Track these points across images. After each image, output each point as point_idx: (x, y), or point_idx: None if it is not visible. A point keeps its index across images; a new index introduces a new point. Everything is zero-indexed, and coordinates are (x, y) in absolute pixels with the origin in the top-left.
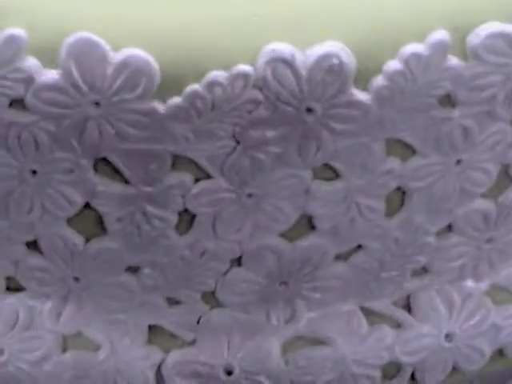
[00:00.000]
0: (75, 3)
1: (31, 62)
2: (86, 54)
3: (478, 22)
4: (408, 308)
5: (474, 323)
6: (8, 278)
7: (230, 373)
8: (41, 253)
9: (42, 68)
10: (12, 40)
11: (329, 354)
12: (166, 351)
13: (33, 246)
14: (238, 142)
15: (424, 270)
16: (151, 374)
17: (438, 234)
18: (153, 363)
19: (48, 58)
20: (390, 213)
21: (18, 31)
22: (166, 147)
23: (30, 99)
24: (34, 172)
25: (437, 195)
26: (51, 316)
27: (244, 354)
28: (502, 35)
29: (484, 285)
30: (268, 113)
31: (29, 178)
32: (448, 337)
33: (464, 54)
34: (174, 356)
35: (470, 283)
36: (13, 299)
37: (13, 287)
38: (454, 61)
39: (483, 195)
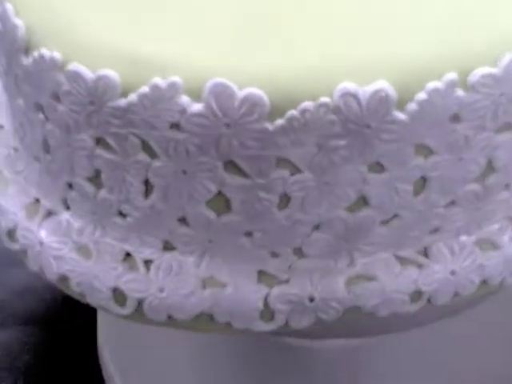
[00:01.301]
0: (211, 58)
1: (184, 99)
2: (221, 93)
3: (475, 66)
4: (426, 254)
5: (468, 264)
6: (165, 241)
7: (312, 300)
8: (187, 224)
9: (191, 102)
10: (172, 85)
11: (375, 286)
12: (270, 287)
13: (182, 220)
14: (320, 148)
15: (436, 230)
16: (261, 303)
17: (445, 206)
18: (262, 295)
19: (195, 95)
20: (416, 193)
21: (176, 78)
22: (273, 153)
23: (183, 123)
24: (185, 172)
25: (446, 181)
26: (194, 266)
27: (321, 288)
28: (490, 75)
29: (473, 238)
30: (340, 129)
31: (181, 176)
32: (452, 273)
33: (466, 87)
34: (275, 290)
35: (464, 238)
36: (168, 256)
37: (168, 247)
38: (459, 92)
39: (475, 180)
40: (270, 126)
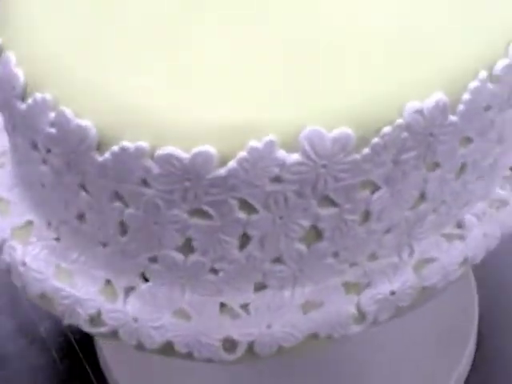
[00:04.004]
0: (297, 112)
1: (281, 153)
2: (314, 138)
3: (496, 61)
4: (461, 226)
5: (492, 223)
6: (257, 283)
7: (393, 293)
8: (281, 262)
9: (288, 154)
10: (269, 144)
11: (436, 265)
12: (358, 294)
13: (276, 259)
14: (395, 164)
15: (466, 204)
16: (354, 309)
17: (474, 182)
18: (354, 303)
19: (289, 147)
20: (457, 178)
21: (273, 136)
22: (360, 178)
23: (283, 174)
24: (281, 217)
25: (477, 161)
26: (289, 298)
27: (397, 281)
28: (507, 65)
29: (487, 202)
30: (411, 142)
31: (278, 222)
32: (484, 235)
33: (492, 80)
34: (363, 296)
35: (481, 204)
36: (262, 295)
37: (259, 287)
38: (489, 85)
39: (492, 153)
40: (358, 156)
